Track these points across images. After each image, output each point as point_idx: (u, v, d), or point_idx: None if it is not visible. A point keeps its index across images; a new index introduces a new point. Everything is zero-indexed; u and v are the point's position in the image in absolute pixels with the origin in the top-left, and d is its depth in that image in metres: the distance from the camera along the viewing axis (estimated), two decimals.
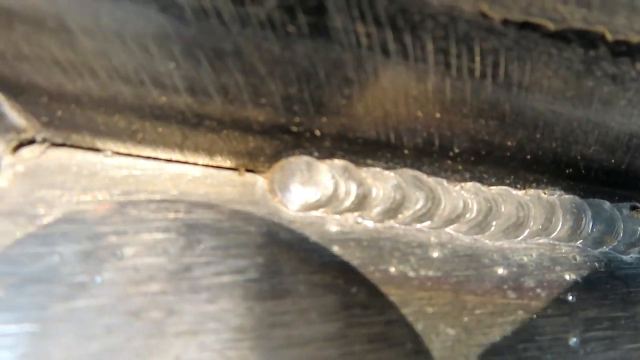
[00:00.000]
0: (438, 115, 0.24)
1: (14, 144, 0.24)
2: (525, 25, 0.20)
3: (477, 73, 0.22)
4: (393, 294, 0.24)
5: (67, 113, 0.24)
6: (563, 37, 0.20)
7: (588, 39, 0.20)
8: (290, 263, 0.24)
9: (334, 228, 0.26)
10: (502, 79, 0.22)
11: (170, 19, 0.20)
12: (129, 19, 0.20)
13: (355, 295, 0.24)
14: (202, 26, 0.20)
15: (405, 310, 0.24)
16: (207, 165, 0.27)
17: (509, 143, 0.26)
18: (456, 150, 0.26)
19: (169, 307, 0.21)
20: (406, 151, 0.26)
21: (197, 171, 0.26)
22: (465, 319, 0.24)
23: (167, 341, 0.20)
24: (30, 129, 0.24)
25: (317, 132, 0.25)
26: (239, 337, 0.22)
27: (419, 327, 0.23)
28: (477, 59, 0.21)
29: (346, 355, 0.22)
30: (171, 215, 0.24)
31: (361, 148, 0.26)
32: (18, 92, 0.22)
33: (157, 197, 0.25)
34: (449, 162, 0.27)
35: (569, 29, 0.20)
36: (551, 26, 0.20)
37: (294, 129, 0.25)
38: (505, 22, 0.20)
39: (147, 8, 0.19)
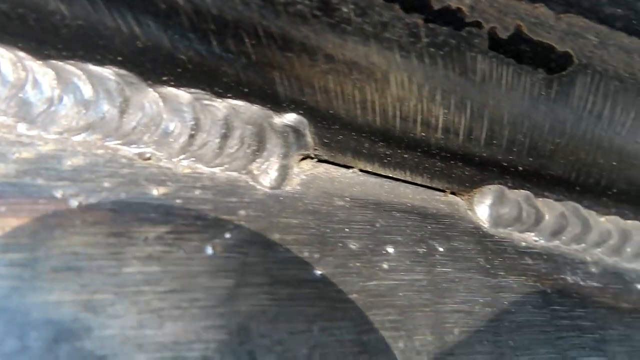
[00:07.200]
0: (614, 163, 0.32)
1: (301, 157, 0.31)
2: None
3: None
4: (574, 297, 0.32)
5: (345, 138, 0.31)
6: None
7: None
8: (501, 268, 0.31)
9: (522, 243, 0.34)
10: None
11: (464, 81, 0.27)
12: (436, 78, 0.27)
13: (550, 295, 0.31)
14: (484, 88, 0.28)
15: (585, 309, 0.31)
16: (422, 185, 0.34)
17: None
18: (614, 191, 0.34)
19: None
20: (578, 188, 0.34)
21: (417, 189, 0.34)
22: (627, 319, 0.32)
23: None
24: (312, 147, 0.31)
25: (520, 168, 0.33)
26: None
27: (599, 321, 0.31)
28: None
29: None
30: (408, 222, 0.31)
31: (545, 183, 0.34)
32: (320, 119, 0.29)
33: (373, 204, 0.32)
34: (605, 199, 0.35)
35: None
36: None
37: (504, 164, 0.33)
38: None
39: (453, 73, 0.27)
